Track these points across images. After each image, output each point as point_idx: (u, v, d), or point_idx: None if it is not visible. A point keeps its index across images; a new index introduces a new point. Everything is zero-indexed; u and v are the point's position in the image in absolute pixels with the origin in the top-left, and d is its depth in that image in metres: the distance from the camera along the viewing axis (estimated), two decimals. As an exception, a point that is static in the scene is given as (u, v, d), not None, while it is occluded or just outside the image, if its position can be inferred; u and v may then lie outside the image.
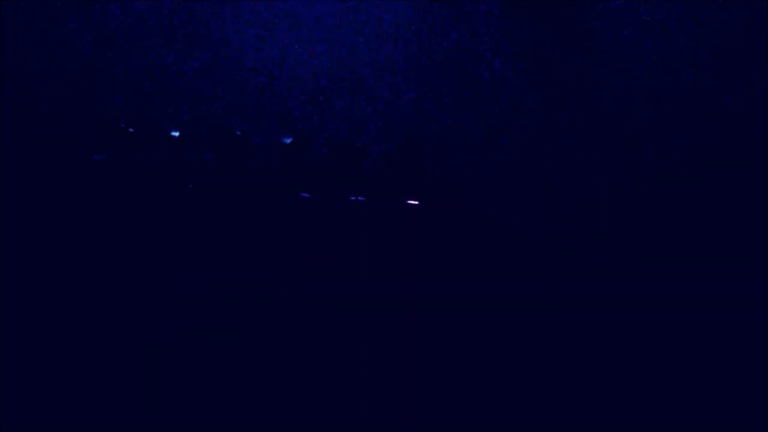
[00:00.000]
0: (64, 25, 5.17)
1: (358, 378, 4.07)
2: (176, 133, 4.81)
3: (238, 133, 4.69)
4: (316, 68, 5.15)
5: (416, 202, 4.50)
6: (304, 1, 5.11)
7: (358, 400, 3.96)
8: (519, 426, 3.88)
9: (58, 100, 5.16)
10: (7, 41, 5.01)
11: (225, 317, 4.30)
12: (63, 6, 5.13)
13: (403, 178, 4.63)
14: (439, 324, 4.27)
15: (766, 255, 4.23)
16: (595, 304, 4.24)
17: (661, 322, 4.17)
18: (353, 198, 4.53)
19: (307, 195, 4.54)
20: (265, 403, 3.93)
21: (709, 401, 3.90)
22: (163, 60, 5.23)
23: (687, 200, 4.54)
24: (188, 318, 4.28)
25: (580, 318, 4.21)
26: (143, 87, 5.25)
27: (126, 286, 4.43)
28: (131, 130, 4.80)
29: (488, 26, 5.00)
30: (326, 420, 3.86)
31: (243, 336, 4.22)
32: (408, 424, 3.89)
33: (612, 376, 4.03)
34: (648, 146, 4.70)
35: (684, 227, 4.45)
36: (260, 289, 4.36)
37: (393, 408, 3.92)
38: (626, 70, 4.85)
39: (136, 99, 5.26)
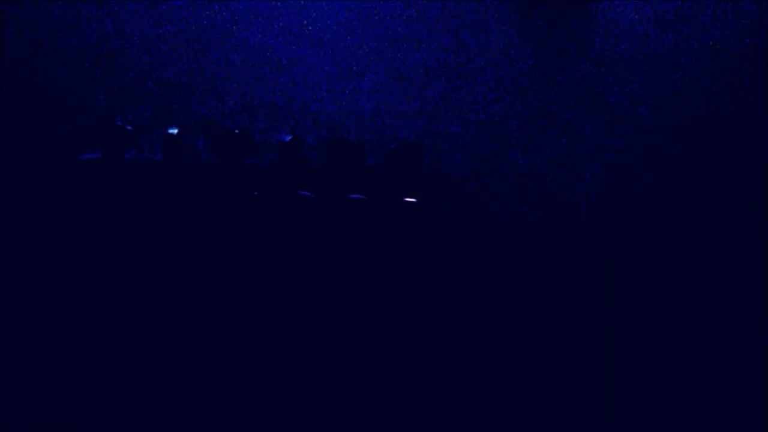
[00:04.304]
0: (63, 25, 5.14)
1: (361, 380, 4.06)
2: (174, 131, 4.79)
3: (237, 131, 4.68)
4: (318, 68, 5.13)
5: (413, 200, 4.50)
6: (308, 1, 5.09)
7: (361, 402, 3.95)
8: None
9: (57, 99, 5.13)
10: (7, 40, 4.98)
11: (223, 317, 4.29)
12: (62, 7, 5.10)
13: (401, 177, 4.62)
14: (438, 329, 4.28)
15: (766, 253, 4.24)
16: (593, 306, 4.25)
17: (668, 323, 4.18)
18: (352, 196, 4.52)
19: (306, 193, 4.53)
20: (265, 404, 3.92)
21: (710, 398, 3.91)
22: (161, 59, 5.20)
23: (690, 199, 4.55)
24: (187, 317, 4.27)
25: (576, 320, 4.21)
26: (141, 85, 5.22)
27: (124, 283, 4.42)
28: (129, 128, 4.78)
29: (493, 29, 4.99)
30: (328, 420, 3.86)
31: (242, 336, 4.21)
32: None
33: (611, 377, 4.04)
34: (652, 148, 4.71)
35: (686, 227, 4.46)
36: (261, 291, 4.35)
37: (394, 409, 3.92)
38: (630, 70, 4.85)
39: (134, 97, 5.23)
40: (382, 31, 5.10)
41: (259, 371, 4.01)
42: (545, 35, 5.08)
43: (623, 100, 4.98)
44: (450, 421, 3.82)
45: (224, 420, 3.79)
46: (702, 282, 4.18)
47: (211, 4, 5.23)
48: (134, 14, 5.29)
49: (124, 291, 4.37)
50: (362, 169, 4.63)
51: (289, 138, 4.67)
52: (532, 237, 4.58)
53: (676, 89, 4.92)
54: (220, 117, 5.21)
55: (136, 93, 5.24)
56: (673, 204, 4.59)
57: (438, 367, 4.05)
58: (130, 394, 3.90)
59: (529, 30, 5.05)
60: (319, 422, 3.80)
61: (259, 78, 5.21)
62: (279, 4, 5.16)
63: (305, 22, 5.19)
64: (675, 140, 4.81)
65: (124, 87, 5.26)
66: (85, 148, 4.88)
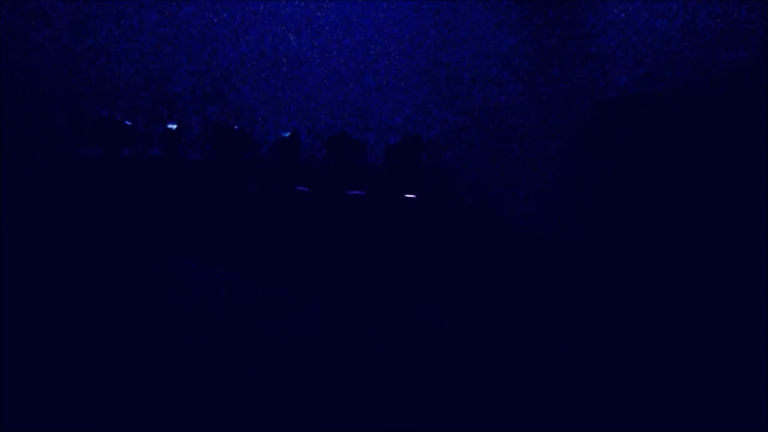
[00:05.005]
0: (62, 23, 5.13)
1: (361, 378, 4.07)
2: (173, 126, 4.78)
3: (236, 127, 4.67)
4: (317, 65, 5.12)
5: (413, 196, 4.49)
6: (308, 0, 5.07)
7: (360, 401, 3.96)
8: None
9: (57, 96, 5.12)
10: (6, 38, 4.97)
11: (221, 313, 4.29)
12: (61, 5, 5.09)
13: (400, 172, 4.62)
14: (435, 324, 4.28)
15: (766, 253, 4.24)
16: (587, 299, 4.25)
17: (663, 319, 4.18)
18: (352, 192, 4.52)
19: (304, 189, 4.52)
20: (261, 404, 3.93)
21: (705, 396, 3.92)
22: (160, 56, 5.19)
23: (688, 198, 4.55)
24: (186, 316, 4.28)
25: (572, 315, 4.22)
26: (141, 81, 5.21)
27: (122, 279, 4.42)
28: (128, 123, 4.77)
29: (489, 26, 4.97)
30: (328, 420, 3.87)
31: (239, 333, 4.21)
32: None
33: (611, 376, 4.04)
34: (645, 145, 4.70)
35: (684, 227, 4.45)
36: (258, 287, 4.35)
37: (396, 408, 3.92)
38: (625, 67, 4.84)
39: (133, 94, 5.22)
40: (383, 28, 5.08)
41: (256, 369, 4.02)
42: (544, 31, 5.07)
43: (622, 97, 4.97)
44: (447, 422, 3.83)
45: (223, 420, 3.80)
46: (698, 281, 4.19)
47: (213, 4, 5.21)
48: (134, 13, 5.27)
49: (122, 287, 4.37)
50: (362, 165, 4.62)
51: (288, 134, 4.67)
52: (533, 233, 4.58)
53: (677, 87, 4.91)
54: (219, 113, 5.21)
55: (135, 89, 5.23)
56: (672, 202, 4.59)
57: (437, 367, 4.06)
58: (130, 394, 3.91)
59: (528, 26, 5.04)
60: (312, 420, 3.81)
61: (258, 75, 5.20)
62: (280, 4, 5.15)
63: (306, 20, 5.17)
64: (675, 137, 4.80)
65: (124, 83, 5.25)
66: (83, 143, 4.87)
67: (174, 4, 5.18)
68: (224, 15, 5.18)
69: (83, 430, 3.72)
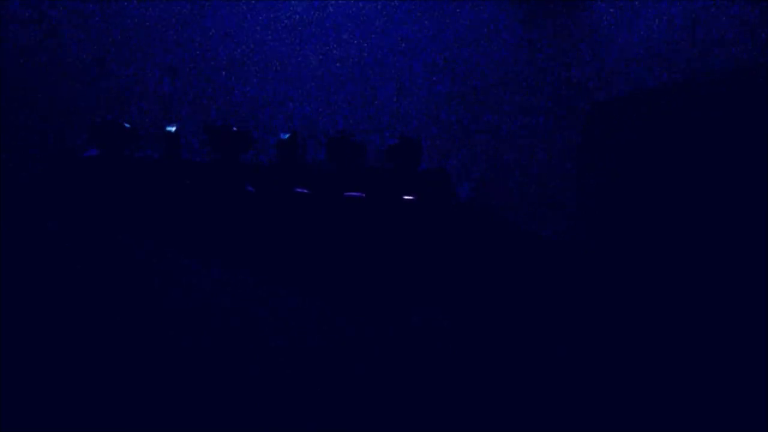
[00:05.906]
0: (61, 22, 5.14)
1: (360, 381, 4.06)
2: (172, 128, 4.77)
3: (235, 129, 4.66)
4: (317, 66, 5.12)
5: (412, 197, 4.48)
6: (308, 2, 5.08)
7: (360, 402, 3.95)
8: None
9: (55, 96, 5.12)
10: (6, 37, 4.97)
11: (222, 316, 4.29)
12: (61, 5, 5.10)
13: (400, 174, 4.60)
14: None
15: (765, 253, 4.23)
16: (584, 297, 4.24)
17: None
18: (351, 194, 4.51)
19: (303, 191, 4.51)
20: (258, 404, 3.92)
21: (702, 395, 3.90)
22: (160, 58, 5.19)
23: (688, 198, 4.54)
24: (185, 317, 4.27)
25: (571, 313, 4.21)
26: (140, 83, 5.21)
27: (121, 282, 4.42)
28: (127, 126, 4.76)
29: (488, 25, 4.98)
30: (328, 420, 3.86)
31: (240, 336, 4.21)
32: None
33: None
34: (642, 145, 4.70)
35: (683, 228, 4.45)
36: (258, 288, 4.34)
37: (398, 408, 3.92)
38: (625, 68, 4.83)
39: (133, 96, 5.22)
40: (383, 30, 5.09)
41: (255, 370, 4.01)
42: (548, 34, 5.08)
43: (621, 97, 4.97)
44: (447, 422, 3.82)
45: (223, 421, 3.79)
46: (698, 281, 4.18)
47: (212, 4, 5.22)
48: (134, 12, 5.28)
49: (122, 287, 4.37)
50: (361, 167, 4.61)
51: (287, 135, 4.66)
52: (533, 233, 4.57)
53: (677, 87, 4.90)
54: (219, 114, 5.21)
55: (134, 91, 5.24)
56: (673, 202, 4.58)
57: (437, 368, 4.05)
58: (130, 394, 3.90)
59: (531, 29, 5.05)
60: (312, 421, 3.80)
61: (258, 76, 5.21)
62: (279, 4, 5.16)
63: (307, 19, 5.18)
64: (676, 137, 4.80)
65: (123, 85, 5.26)
66: (83, 146, 4.86)
67: (175, 4, 5.19)
68: (224, 15, 5.19)
69: (83, 430, 3.71)
